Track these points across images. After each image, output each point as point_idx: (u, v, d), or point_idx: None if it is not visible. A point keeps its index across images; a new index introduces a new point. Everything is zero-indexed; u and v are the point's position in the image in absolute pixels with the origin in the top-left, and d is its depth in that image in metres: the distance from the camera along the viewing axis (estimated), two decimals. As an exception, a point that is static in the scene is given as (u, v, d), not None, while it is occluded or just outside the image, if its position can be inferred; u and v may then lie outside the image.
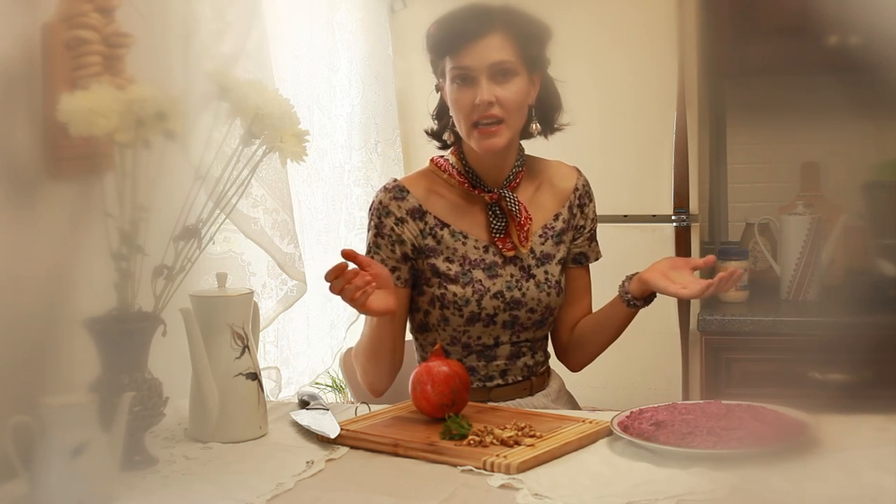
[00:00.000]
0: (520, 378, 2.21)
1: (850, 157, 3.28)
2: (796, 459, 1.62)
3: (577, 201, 2.26)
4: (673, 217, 3.15)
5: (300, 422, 1.89)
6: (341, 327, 3.00)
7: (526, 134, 2.19)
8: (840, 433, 1.72)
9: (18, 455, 1.51)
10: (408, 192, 2.17)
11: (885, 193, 3.10)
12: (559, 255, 2.22)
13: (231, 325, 1.84)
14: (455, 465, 1.67)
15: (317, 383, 2.96)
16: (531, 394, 2.22)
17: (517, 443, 1.71)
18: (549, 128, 2.21)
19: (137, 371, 1.71)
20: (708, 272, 2.56)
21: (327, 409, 1.94)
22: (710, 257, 2.12)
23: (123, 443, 1.58)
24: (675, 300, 3.07)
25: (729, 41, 3.10)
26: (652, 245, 3.13)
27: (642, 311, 2.19)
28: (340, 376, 2.96)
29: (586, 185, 2.29)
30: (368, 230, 2.18)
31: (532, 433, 1.75)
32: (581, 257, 2.28)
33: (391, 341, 2.13)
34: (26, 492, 1.52)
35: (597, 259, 2.30)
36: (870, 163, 3.15)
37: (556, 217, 2.23)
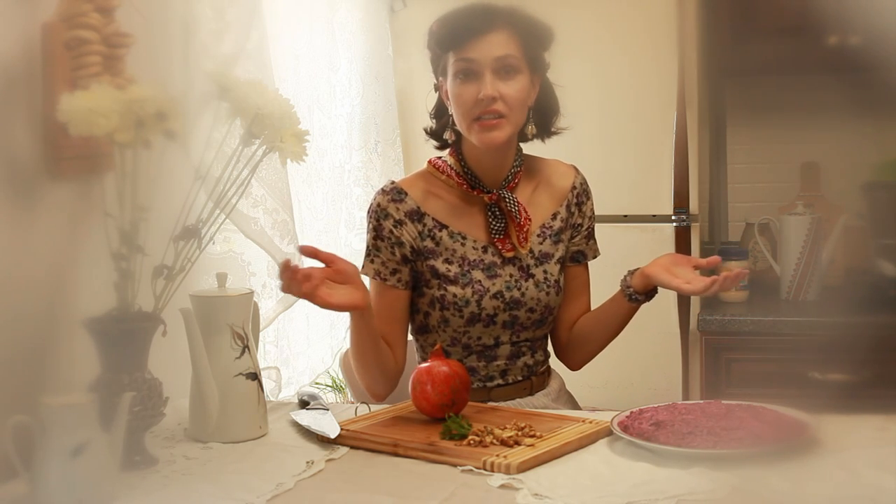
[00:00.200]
0: (520, 378, 2.21)
1: (850, 157, 3.28)
2: (796, 459, 1.62)
3: (574, 200, 2.26)
4: (673, 217, 3.15)
5: (300, 422, 1.89)
6: (341, 327, 3.00)
7: (521, 136, 2.19)
8: (840, 433, 1.71)
9: (18, 455, 1.51)
10: (406, 193, 2.17)
11: (885, 193, 3.11)
12: (558, 255, 2.22)
13: (231, 325, 1.84)
14: (455, 465, 1.67)
15: (317, 383, 2.96)
16: (531, 393, 2.22)
17: (517, 443, 1.71)
18: (545, 131, 2.21)
19: (137, 371, 1.70)
20: (709, 272, 2.55)
21: (327, 409, 1.94)
22: (715, 258, 2.12)
23: (123, 443, 1.57)
24: (675, 300, 3.07)
25: (729, 41, 3.10)
26: (652, 245, 3.12)
27: (642, 311, 2.19)
28: (340, 376, 2.96)
29: (584, 183, 2.28)
30: (367, 233, 2.18)
31: (532, 433, 1.75)
32: (579, 255, 2.27)
33: (371, 341, 2.08)
34: (26, 492, 1.52)
35: (595, 257, 2.30)
36: (870, 163, 3.15)
37: (555, 216, 2.23)
